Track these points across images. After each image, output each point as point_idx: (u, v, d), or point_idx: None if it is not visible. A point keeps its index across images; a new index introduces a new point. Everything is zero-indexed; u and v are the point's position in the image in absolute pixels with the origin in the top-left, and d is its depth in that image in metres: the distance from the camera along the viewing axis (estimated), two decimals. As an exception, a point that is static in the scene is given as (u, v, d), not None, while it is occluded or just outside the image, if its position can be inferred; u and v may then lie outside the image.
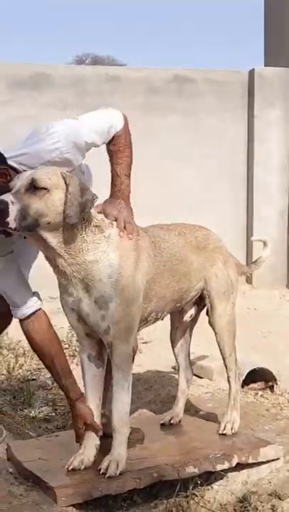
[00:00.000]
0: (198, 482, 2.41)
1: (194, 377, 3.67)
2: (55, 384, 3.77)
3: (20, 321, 2.45)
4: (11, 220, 2.02)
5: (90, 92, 5.74)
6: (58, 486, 2.15)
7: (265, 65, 7.45)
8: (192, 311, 2.69)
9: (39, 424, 3.15)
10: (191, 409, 3.06)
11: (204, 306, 2.65)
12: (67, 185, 2.10)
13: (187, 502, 2.35)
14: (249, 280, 6.02)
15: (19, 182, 2.08)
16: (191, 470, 2.34)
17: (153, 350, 4.08)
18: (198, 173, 5.96)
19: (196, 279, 2.54)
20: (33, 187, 2.06)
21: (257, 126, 6.08)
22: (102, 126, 2.35)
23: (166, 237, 2.45)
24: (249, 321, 4.86)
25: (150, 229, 2.46)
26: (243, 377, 3.41)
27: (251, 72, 6.16)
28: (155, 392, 3.46)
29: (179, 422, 2.76)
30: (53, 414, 3.37)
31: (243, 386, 3.44)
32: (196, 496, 2.39)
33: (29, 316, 2.41)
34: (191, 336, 2.80)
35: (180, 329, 2.76)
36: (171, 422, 2.75)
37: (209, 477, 2.45)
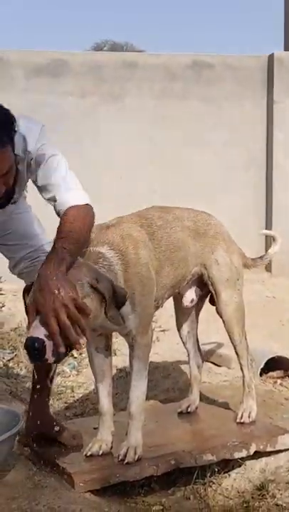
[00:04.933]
0: (216, 470, 2.41)
1: (212, 365, 3.70)
2: (73, 371, 3.83)
3: None
4: (49, 357, 1.88)
5: (108, 78, 5.71)
6: (76, 472, 2.16)
7: (284, 50, 7.35)
8: (192, 296, 2.64)
9: (57, 411, 3.17)
10: (209, 397, 3.06)
11: (208, 292, 2.62)
12: (101, 293, 1.98)
13: (205, 489, 2.35)
14: (268, 268, 5.98)
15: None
16: (209, 457, 2.33)
17: (171, 338, 4.07)
18: (217, 160, 5.92)
19: (192, 264, 2.50)
20: None
21: (276, 112, 6.00)
22: (55, 172, 2.14)
23: (163, 224, 2.38)
24: (268, 309, 4.84)
25: (145, 216, 2.38)
26: (262, 365, 3.40)
27: (271, 57, 6.08)
28: (173, 379, 3.46)
29: (196, 409, 2.75)
30: (71, 401, 3.40)
31: (261, 374, 3.43)
32: (214, 483, 2.40)
33: None
34: (197, 322, 2.78)
35: (184, 316, 2.74)
36: (188, 409, 2.74)
37: (227, 465, 2.45)
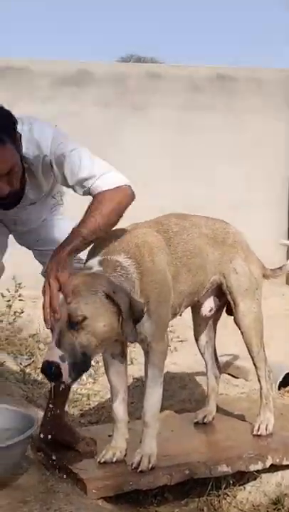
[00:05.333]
0: (231, 482, 2.38)
1: (230, 377, 3.66)
2: (89, 379, 3.81)
3: None
4: (66, 378, 1.92)
5: (132, 89, 5.74)
6: (89, 478, 2.14)
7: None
8: (211, 305, 2.61)
9: (72, 418, 3.16)
10: (225, 409, 3.01)
11: (225, 302, 2.59)
12: (117, 304, 1.98)
13: (219, 501, 2.32)
14: (289, 281, 5.93)
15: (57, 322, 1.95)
16: (224, 469, 2.30)
17: (188, 349, 4.03)
18: (239, 172, 5.89)
19: (211, 272, 2.47)
20: (73, 322, 1.95)
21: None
22: (80, 166, 2.10)
23: (180, 230, 2.36)
24: (288, 323, 4.78)
25: (161, 222, 2.36)
26: (280, 379, 3.35)
27: (294, 70, 6.07)
28: (189, 390, 3.43)
29: (212, 420, 2.72)
30: (87, 408, 3.39)
31: (279, 388, 3.38)
32: (228, 495, 2.36)
33: None
34: (215, 332, 2.75)
35: (202, 326, 2.71)
36: (205, 420, 2.71)
37: (242, 477, 2.41)
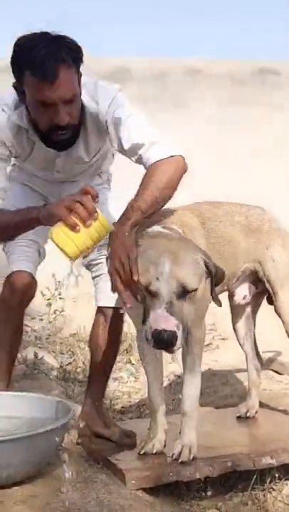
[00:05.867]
0: (276, 476, 2.28)
1: (273, 373, 3.56)
2: (130, 378, 3.78)
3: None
4: (178, 346, 1.87)
5: (171, 85, 5.69)
6: (128, 468, 2.09)
7: None
8: (244, 292, 2.53)
9: (113, 415, 3.12)
10: (269, 404, 2.92)
11: (263, 291, 2.50)
12: (211, 274, 1.97)
13: (264, 495, 2.23)
14: None
15: (166, 287, 1.86)
16: (268, 461, 2.21)
17: (230, 347, 3.95)
18: (283, 168, 5.76)
19: (242, 260, 2.39)
20: (185, 292, 1.88)
21: None
22: (135, 132, 2.07)
23: (212, 216, 2.30)
24: None
25: (196, 207, 2.30)
26: None
27: None
28: (231, 386, 3.34)
29: (256, 414, 2.63)
30: (128, 406, 3.34)
31: None
32: (274, 489, 2.27)
33: None
34: (254, 323, 2.67)
35: (239, 316, 2.64)
36: (248, 414, 2.63)
37: (288, 471, 2.31)
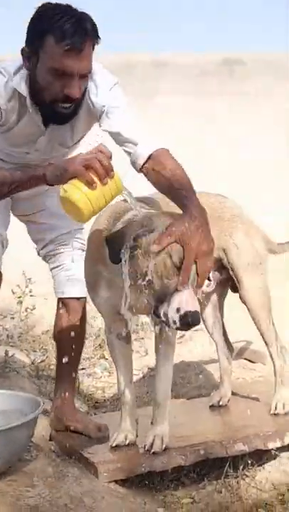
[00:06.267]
0: (249, 462, 2.29)
1: (247, 361, 3.57)
2: (104, 372, 3.76)
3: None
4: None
5: (139, 78, 5.67)
6: (100, 461, 2.08)
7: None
8: (209, 279, 2.53)
9: (88, 410, 3.10)
10: (242, 392, 2.93)
11: (228, 278, 2.50)
12: None
13: (237, 482, 2.24)
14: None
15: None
16: (241, 447, 2.22)
17: (203, 338, 3.96)
18: (251, 156, 5.78)
19: None
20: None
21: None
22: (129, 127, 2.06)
23: (173, 206, 2.28)
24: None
25: (155, 198, 2.26)
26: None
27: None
28: (205, 377, 3.35)
29: (228, 402, 2.64)
30: (102, 400, 3.32)
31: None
32: (247, 476, 2.28)
33: None
34: (222, 311, 2.68)
35: (207, 305, 2.64)
36: (220, 403, 2.63)
37: (261, 457, 2.32)
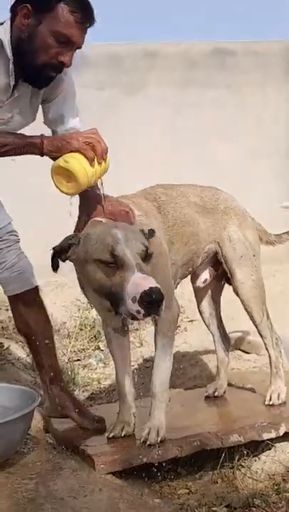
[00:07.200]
0: (245, 452, 2.31)
1: (241, 352, 3.58)
2: (100, 364, 3.76)
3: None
4: (163, 307, 1.80)
5: (127, 69, 5.62)
6: (96, 453, 2.08)
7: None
8: (206, 276, 2.54)
9: (84, 401, 3.11)
10: (237, 382, 2.95)
11: (224, 272, 2.50)
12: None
13: (233, 473, 2.25)
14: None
15: (129, 250, 1.83)
16: (236, 439, 2.23)
17: (198, 329, 3.96)
18: (240, 148, 5.76)
19: (205, 241, 2.39)
20: (147, 254, 1.87)
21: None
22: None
23: (167, 199, 2.29)
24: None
25: (148, 192, 2.29)
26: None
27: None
28: (200, 367, 3.36)
29: (224, 393, 2.65)
30: (98, 392, 3.33)
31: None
32: (243, 466, 2.30)
33: None
34: (219, 303, 2.68)
35: (202, 298, 2.65)
36: (216, 394, 2.65)
37: (256, 448, 2.34)
